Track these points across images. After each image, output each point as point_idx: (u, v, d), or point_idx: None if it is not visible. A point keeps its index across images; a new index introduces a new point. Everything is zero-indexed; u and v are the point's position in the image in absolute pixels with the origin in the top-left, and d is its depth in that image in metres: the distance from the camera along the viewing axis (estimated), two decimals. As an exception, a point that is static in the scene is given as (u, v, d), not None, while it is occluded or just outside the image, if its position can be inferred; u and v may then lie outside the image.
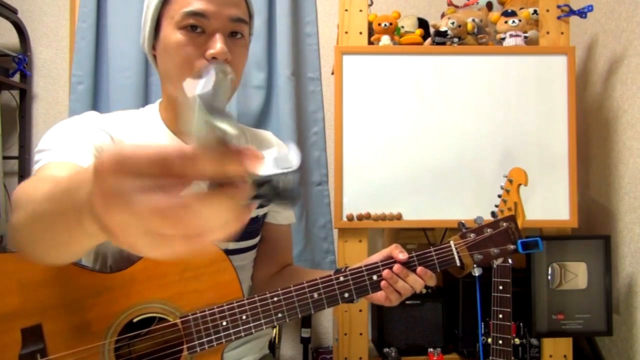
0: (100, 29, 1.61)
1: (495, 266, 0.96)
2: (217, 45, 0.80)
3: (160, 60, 0.87)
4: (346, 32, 1.33)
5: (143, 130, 0.91)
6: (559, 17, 1.31)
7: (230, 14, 0.82)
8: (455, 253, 0.87)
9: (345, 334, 1.30)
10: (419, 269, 0.85)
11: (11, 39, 1.82)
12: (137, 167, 0.31)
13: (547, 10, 1.32)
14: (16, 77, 1.80)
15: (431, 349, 1.36)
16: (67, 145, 0.79)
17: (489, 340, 0.98)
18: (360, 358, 1.30)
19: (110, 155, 0.32)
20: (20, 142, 1.80)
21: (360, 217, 1.29)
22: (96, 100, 1.61)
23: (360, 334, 1.30)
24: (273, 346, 1.51)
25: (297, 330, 1.81)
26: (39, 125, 1.85)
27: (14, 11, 1.76)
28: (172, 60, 0.83)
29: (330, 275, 0.85)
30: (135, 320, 0.81)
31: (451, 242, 0.88)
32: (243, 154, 0.32)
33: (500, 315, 0.97)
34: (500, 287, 0.96)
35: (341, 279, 0.84)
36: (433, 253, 0.87)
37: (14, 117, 1.82)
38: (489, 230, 0.89)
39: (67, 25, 1.84)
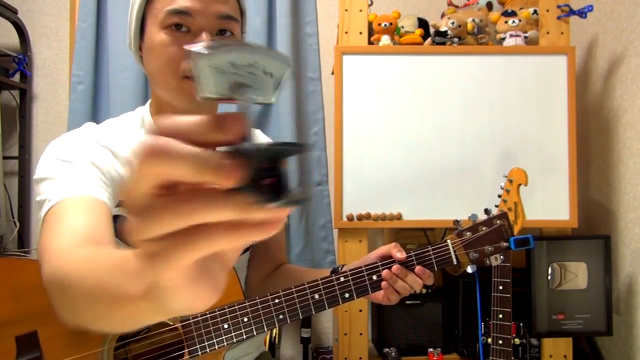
0: (100, 29, 1.61)
1: (495, 266, 0.96)
2: None
3: (145, 61, 0.84)
4: (346, 32, 1.33)
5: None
6: (559, 17, 1.31)
7: (218, 10, 0.78)
8: (452, 252, 0.88)
9: (345, 334, 1.30)
10: (417, 268, 0.85)
11: (11, 39, 1.82)
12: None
13: (547, 10, 1.32)
14: (16, 77, 1.80)
15: (431, 349, 1.36)
16: (73, 173, 0.73)
17: (489, 340, 0.98)
18: (360, 358, 1.30)
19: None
20: (20, 142, 1.80)
21: (360, 217, 1.29)
22: (96, 100, 1.61)
23: (360, 334, 1.30)
24: (273, 346, 1.51)
25: (297, 330, 1.81)
26: (39, 125, 1.85)
27: (14, 11, 1.76)
28: (157, 61, 0.80)
29: (331, 276, 0.85)
30: None
31: (448, 241, 0.89)
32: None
33: (500, 315, 0.97)
34: (500, 287, 0.96)
35: (342, 279, 0.84)
36: (431, 252, 0.87)
37: (14, 117, 1.82)
38: (483, 228, 0.90)
39: (67, 25, 1.84)
